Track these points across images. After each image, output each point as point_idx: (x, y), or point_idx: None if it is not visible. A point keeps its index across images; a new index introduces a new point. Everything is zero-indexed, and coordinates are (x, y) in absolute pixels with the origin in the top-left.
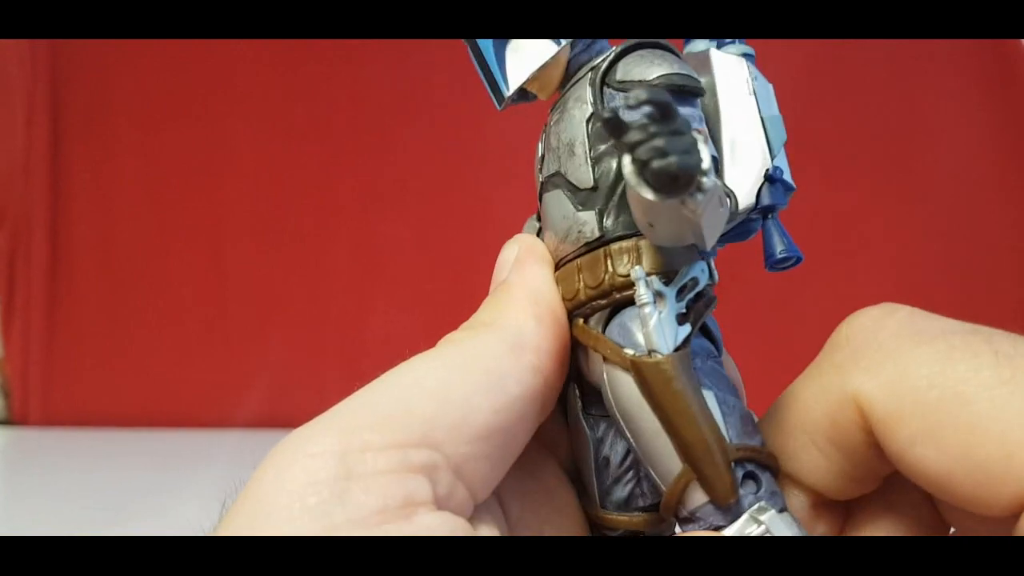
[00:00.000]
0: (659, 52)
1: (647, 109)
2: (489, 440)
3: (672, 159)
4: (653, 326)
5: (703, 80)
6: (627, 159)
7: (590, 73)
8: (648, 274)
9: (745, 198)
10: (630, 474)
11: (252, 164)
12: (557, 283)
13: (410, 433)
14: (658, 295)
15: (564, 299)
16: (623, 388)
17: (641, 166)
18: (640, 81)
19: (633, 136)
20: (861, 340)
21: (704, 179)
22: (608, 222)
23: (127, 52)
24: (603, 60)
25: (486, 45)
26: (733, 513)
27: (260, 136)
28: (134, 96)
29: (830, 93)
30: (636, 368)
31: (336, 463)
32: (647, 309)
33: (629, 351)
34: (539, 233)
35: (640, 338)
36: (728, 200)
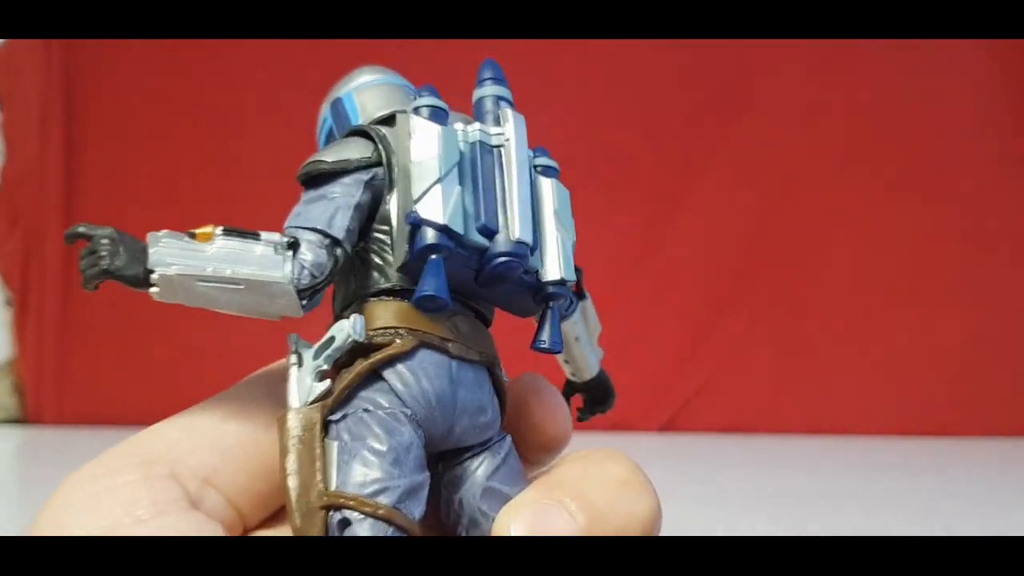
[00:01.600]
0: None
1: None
2: (226, 453)
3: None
4: (289, 386)
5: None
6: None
7: None
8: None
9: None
10: None
11: (264, 165)
12: None
13: (154, 454)
14: (298, 355)
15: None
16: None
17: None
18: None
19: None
20: None
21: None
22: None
23: (141, 55)
24: None
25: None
26: None
27: (273, 137)
28: (147, 98)
29: (848, 95)
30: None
31: (90, 484)
32: (292, 370)
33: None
34: None
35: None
36: (273, 285)
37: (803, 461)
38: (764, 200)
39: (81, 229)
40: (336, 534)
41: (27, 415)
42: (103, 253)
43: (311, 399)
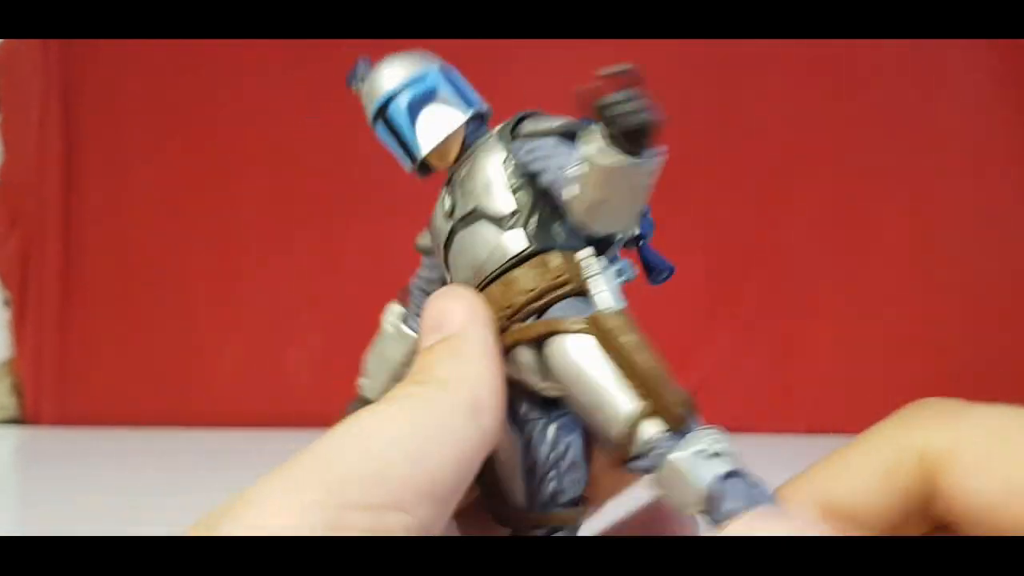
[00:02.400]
0: (551, 115)
1: (618, 72)
2: (449, 502)
3: (643, 115)
4: (607, 289)
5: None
6: (594, 136)
7: (494, 135)
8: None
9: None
10: (552, 473)
11: (265, 165)
12: (494, 295)
13: (386, 496)
14: (595, 261)
15: (500, 312)
16: (572, 351)
17: (612, 125)
18: (546, 130)
19: (608, 99)
20: (926, 410)
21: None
22: (534, 236)
23: (140, 54)
24: (504, 124)
25: (399, 114)
26: (683, 438)
27: (273, 137)
28: (147, 98)
29: (841, 94)
30: (596, 322)
31: (322, 516)
32: (599, 277)
33: (579, 317)
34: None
35: (582, 313)
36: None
37: (802, 461)
38: (761, 200)
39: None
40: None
41: (26, 415)
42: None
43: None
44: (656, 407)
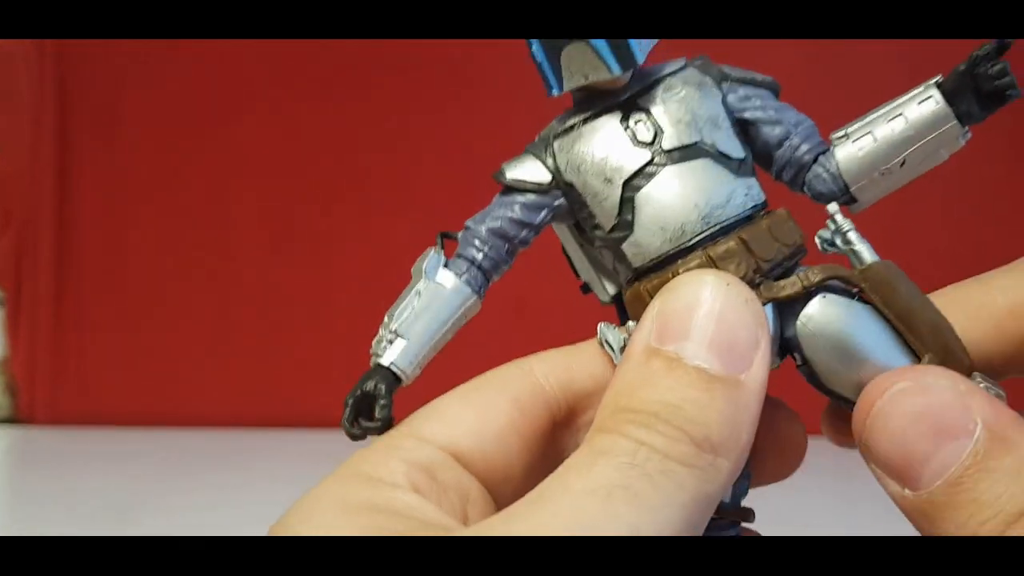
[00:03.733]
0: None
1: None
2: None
3: (1016, 87)
4: (866, 246)
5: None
6: (929, 93)
7: (692, 67)
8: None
9: None
10: (747, 470)
11: (260, 164)
12: (747, 247)
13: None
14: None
15: (760, 259)
16: (840, 309)
17: (985, 80)
18: (761, 81)
19: (993, 55)
20: None
21: None
22: (761, 188)
23: (133, 53)
24: (698, 61)
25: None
26: None
27: (268, 137)
28: (140, 96)
29: (835, 94)
30: (870, 274)
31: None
32: (854, 234)
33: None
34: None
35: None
36: None
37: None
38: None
39: None
40: None
41: (20, 415)
42: None
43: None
44: (944, 358)
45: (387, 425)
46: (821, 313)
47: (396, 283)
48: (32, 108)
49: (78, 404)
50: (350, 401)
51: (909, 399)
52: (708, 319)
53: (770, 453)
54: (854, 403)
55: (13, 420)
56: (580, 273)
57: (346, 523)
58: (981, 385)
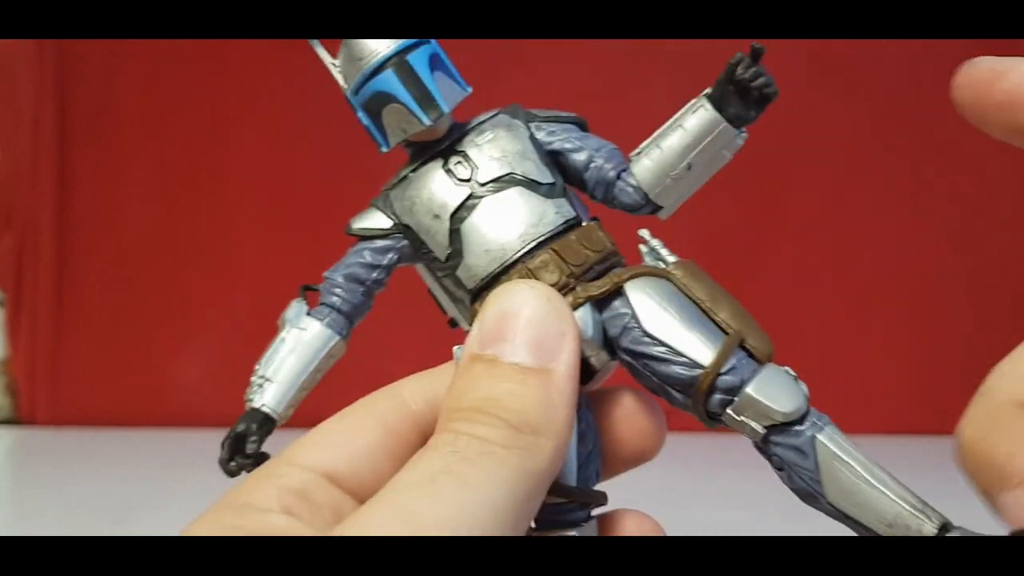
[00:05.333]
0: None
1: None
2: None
3: (772, 86)
4: (668, 252)
5: None
6: (700, 105)
7: (502, 113)
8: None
9: None
10: (594, 453)
11: (259, 164)
12: (559, 256)
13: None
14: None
15: (572, 265)
16: (656, 293)
17: (742, 84)
18: (564, 117)
19: (747, 60)
20: None
21: None
22: (576, 207)
23: (133, 53)
24: (508, 108)
25: (421, 64)
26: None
27: (267, 136)
28: (140, 97)
29: (837, 96)
30: (679, 266)
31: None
32: (664, 250)
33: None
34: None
35: (658, 264)
36: None
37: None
38: (756, 201)
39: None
40: None
41: (20, 415)
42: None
43: None
44: (747, 335)
45: (258, 459)
46: (636, 286)
47: (394, 284)
48: (32, 108)
49: (78, 404)
50: (225, 443)
51: None
52: (518, 321)
53: (619, 436)
54: (680, 374)
55: (13, 420)
56: (445, 309)
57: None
58: None
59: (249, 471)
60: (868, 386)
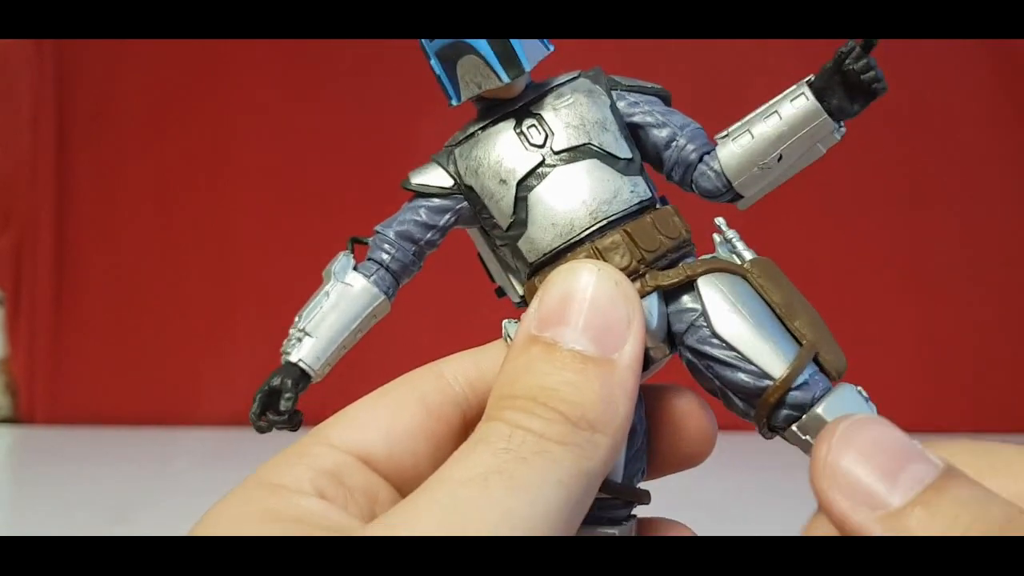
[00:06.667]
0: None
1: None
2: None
3: (882, 81)
4: (751, 252)
5: None
6: (801, 91)
7: (583, 77)
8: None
9: None
10: (642, 451)
11: (258, 164)
12: (631, 239)
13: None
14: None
15: (644, 250)
16: (730, 290)
17: (858, 80)
18: (650, 88)
19: (860, 51)
20: None
21: None
22: (650, 186)
23: (133, 53)
24: (590, 71)
25: (482, 43)
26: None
27: (266, 136)
28: (139, 97)
29: None
30: (757, 263)
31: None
32: (739, 242)
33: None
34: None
35: (733, 258)
36: None
37: (802, 460)
38: (759, 201)
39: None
40: None
41: (19, 414)
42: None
43: None
44: (823, 348)
45: (291, 418)
46: (709, 282)
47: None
48: (31, 109)
49: (78, 404)
50: (258, 396)
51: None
52: (582, 304)
53: (674, 438)
54: (746, 383)
55: (13, 419)
56: (494, 277)
57: (243, 531)
58: None
59: (280, 429)
60: (869, 386)
